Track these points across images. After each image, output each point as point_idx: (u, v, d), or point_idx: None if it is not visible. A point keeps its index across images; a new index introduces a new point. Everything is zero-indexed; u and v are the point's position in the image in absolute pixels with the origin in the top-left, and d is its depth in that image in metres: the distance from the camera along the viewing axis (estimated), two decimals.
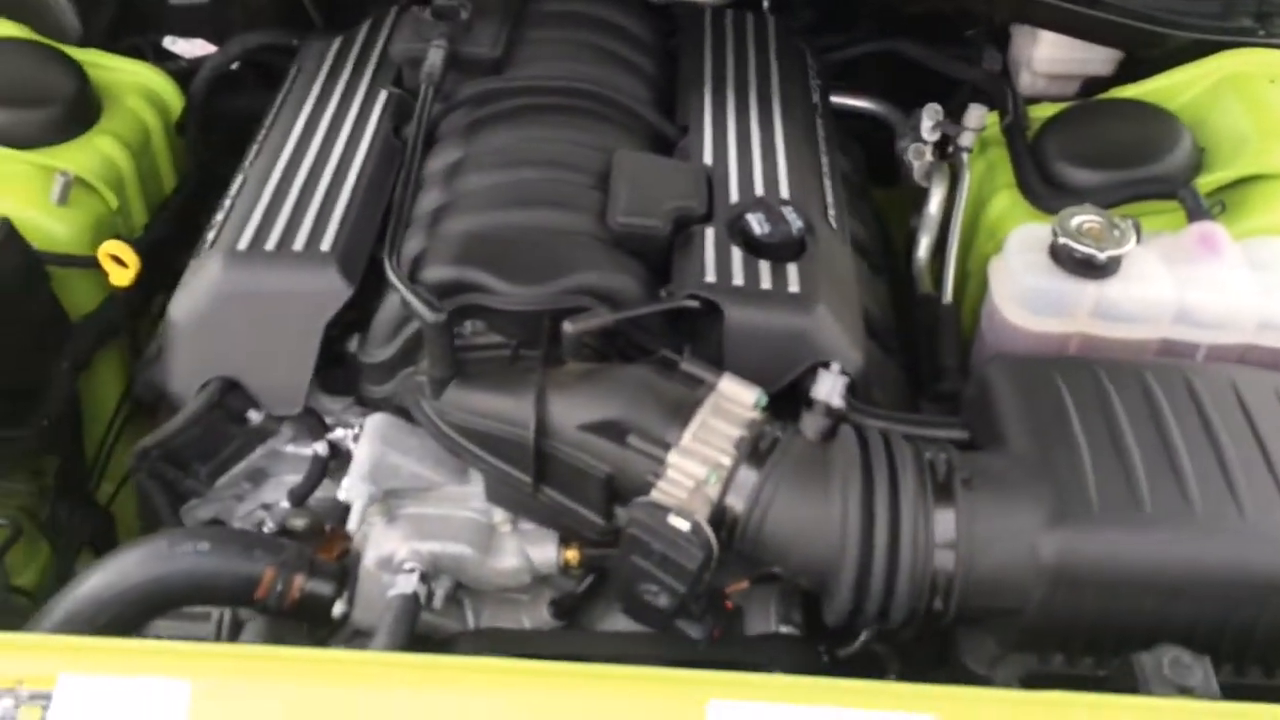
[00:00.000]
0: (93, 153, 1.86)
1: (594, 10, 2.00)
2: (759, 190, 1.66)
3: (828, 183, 1.78)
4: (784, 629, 1.51)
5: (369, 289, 1.55)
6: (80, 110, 1.90)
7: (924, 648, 1.43)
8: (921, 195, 2.02)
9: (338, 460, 1.58)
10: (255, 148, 1.79)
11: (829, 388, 1.37)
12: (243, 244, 1.55)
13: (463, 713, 1.12)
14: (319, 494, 1.58)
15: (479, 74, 1.82)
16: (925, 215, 2.00)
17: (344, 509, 1.56)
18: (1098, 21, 1.97)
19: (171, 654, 1.17)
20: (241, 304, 1.53)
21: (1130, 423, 1.36)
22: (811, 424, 1.35)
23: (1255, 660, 1.29)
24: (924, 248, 1.99)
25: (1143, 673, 1.17)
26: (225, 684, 1.12)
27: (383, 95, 1.82)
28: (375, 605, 1.45)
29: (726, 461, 1.32)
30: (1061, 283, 1.58)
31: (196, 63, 2.19)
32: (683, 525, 1.29)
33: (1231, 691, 1.17)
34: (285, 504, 1.58)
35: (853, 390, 1.44)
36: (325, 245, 1.54)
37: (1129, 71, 2.07)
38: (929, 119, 1.99)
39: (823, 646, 1.46)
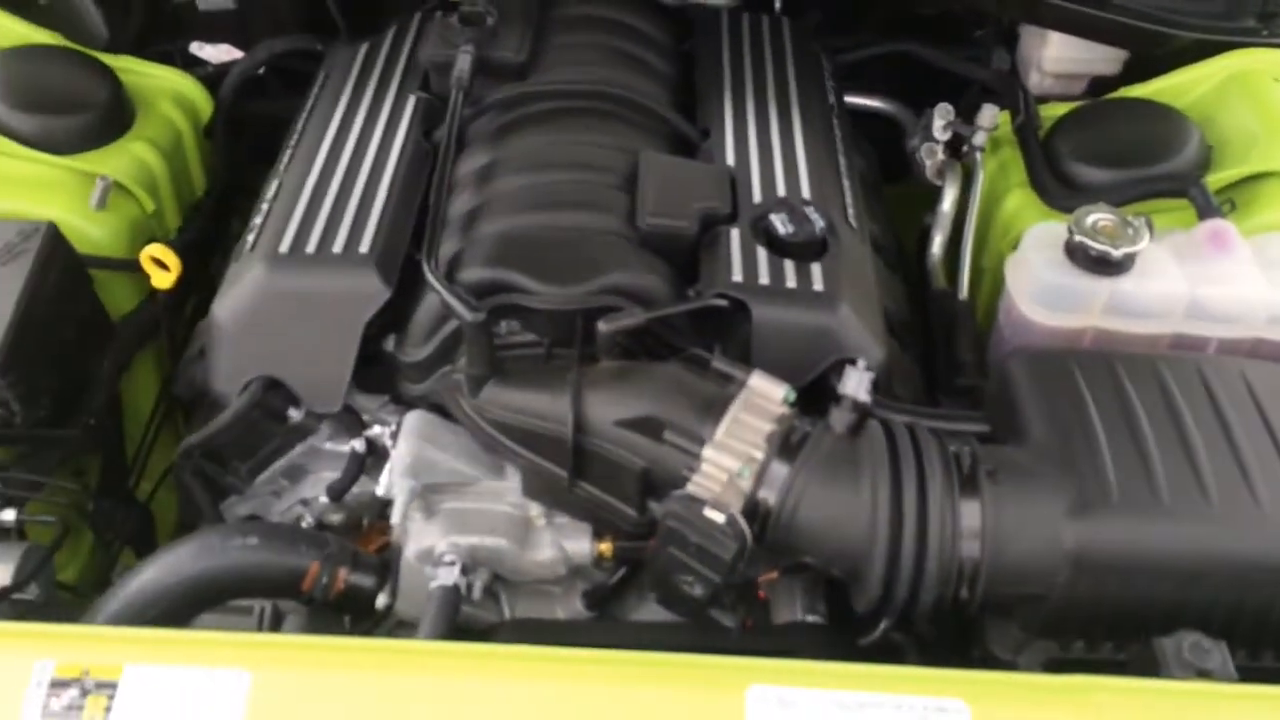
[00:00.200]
0: (128, 158, 1.90)
1: (613, 14, 2.04)
2: (781, 191, 1.70)
3: (846, 183, 1.82)
4: (810, 618, 1.55)
5: (403, 290, 1.59)
6: (116, 116, 1.94)
7: (942, 638, 1.47)
8: (931, 193, 2.06)
9: (374, 456, 1.62)
10: (288, 152, 1.83)
11: (856, 383, 1.40)
12: (284, 247, 1.59)
13: (513, 699, 1.16)
14: (355, 489, 1.62)
15: (505, 79, 1.86)
16: (939, 213, 2.03)
17: (380, 504, 1.61)
18: (1105, 22, 2.01)
19: (231, 645, 1.20)
20: (284, 305, 1.57)
21: (1147, 414, 1.40)
22: (840, 419, 1.38)
23: (1270, 644, 1.33)
24: (938, 244, 2.02)
25: (1163, 656, 1.21)
26: (284, 674, 1.16)
27: (411, 100, 1.86)
28: (415, 597, 1.48)
29: (759, 456, 1.36)
30: (1077, 279, 1.63)
31: (223, 67, 2.23)
32: (718, 517, 1.33)
33: (1247, 674, 1.21)
34: (324, 499, 1.63)
35: (875, 385, 1.48)
36: (364, 247, 1.58)
37: (1135, 71, 2.11)
38: (940, 118, 2.02)
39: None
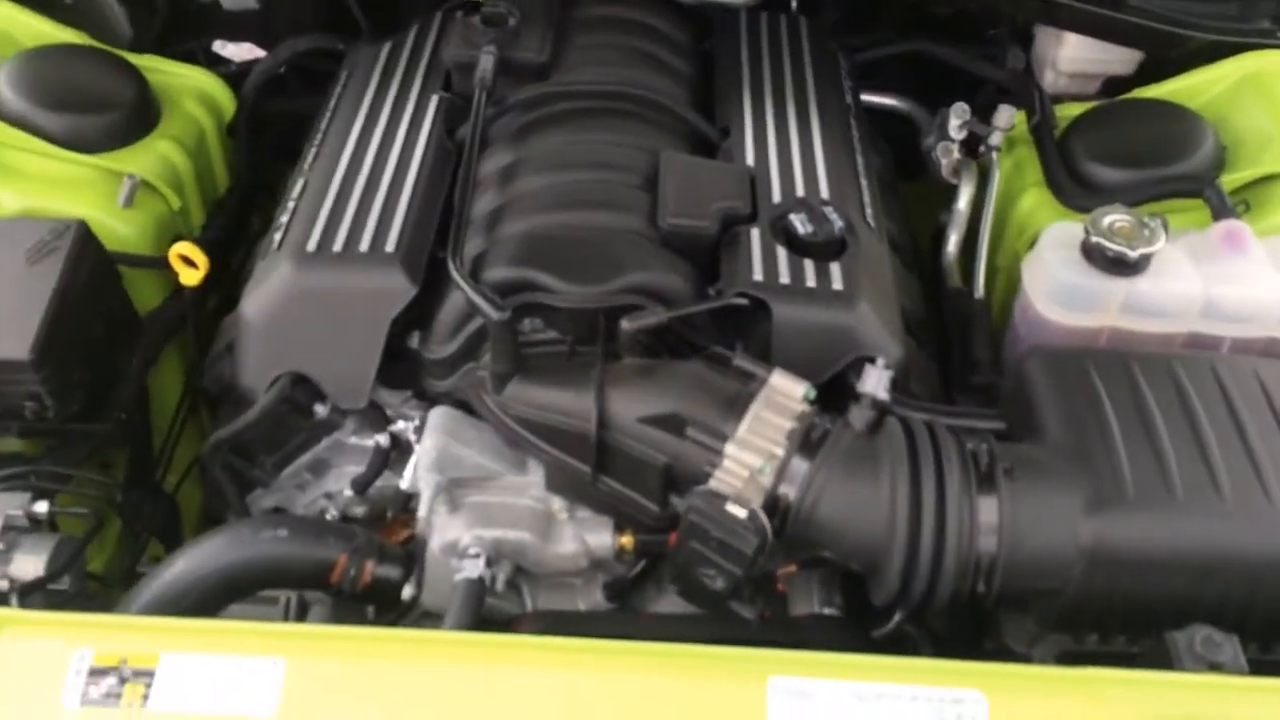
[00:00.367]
0: (154, 156, 1.93)
1: (632, 14, 2.06)
2: (800, 191, 1.72)
3: (864, 182, 1.84)
4: (827, 611, 1.57)
5: (428, 288, 1.61)
6: (142, 115, 1.96)
7: (954, 631, 1.49)
8: (946, 191, 2.07)
9: (397, 451, 1.65)
10: (312, 151, 1.85)
11: (875, 381, 1.42)
12: (311, 245, 1.61)
13: (538, 689, 1.18)
14: (378, 483, 1.65)
15: (527, 79, 1.88)
16: (954, 211, 2.04)
17: (403, 497, 1.64)
18: (1120, 23, 2.02)
19: (265, 635, 1.23)
20: (311, 302, 1.60)
21: (1162, 413, 1.42)
22: (859, 416, 1.41)
23: None
24: (953, 243, 2.03)
25: (1175, 649, 1.24)
26: (318, 663, 1.19)
27: (434, 100, 1.88)
28: (440, 589, 1.51)
29: (779, 452, 1.38)
30: (1093, 279, 1.64)
31: (246, 66, 2.25)
32: (740, 512, 1.35)
33: (1259, 667, 1.23)
34: (348, 493, 1.66)
35: (894, 383, 1.50)
36: (389, 246, 1.60)
37: (1150, 72, 2.12)
38: (956, 118, 2.03)
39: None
